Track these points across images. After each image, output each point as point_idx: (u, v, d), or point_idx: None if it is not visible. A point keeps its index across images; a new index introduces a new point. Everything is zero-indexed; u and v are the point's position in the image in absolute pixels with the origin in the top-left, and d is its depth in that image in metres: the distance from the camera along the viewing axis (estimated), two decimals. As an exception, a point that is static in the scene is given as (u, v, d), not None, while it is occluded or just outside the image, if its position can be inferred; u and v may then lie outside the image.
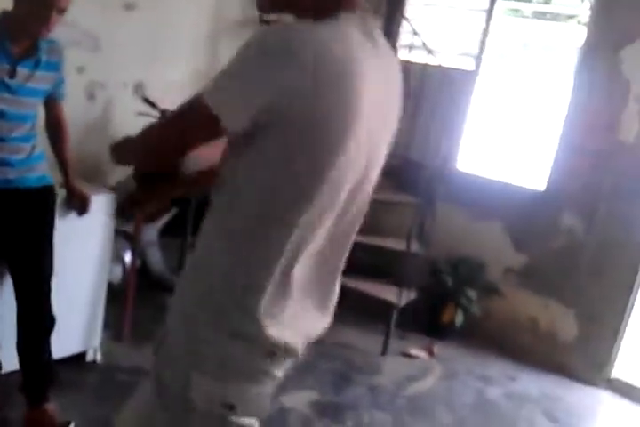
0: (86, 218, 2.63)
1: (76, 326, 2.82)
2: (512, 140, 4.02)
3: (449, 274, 3.86)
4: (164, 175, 1.28)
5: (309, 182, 1.13)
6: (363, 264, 4.14)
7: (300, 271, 1.21)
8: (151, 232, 3.52)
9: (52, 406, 2.47)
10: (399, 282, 3.62)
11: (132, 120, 3.28)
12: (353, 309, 3.97)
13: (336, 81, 1.08)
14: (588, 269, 3.67)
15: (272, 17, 1.45)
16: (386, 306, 3.63)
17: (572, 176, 3.70)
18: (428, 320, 3.90)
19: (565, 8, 4.15)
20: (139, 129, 1.23)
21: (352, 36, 1.12)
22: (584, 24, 3.73)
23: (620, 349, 3.64)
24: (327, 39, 1.08)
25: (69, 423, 2.48)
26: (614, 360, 3.65)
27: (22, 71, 2.20)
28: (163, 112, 3.12)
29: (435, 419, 3.04)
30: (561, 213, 3.75)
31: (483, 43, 3.99)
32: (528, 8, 4.20)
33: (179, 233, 3.44)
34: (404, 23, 4.15)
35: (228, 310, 1.18)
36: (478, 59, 4.02)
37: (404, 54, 4.17)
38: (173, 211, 3.42)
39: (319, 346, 3.77)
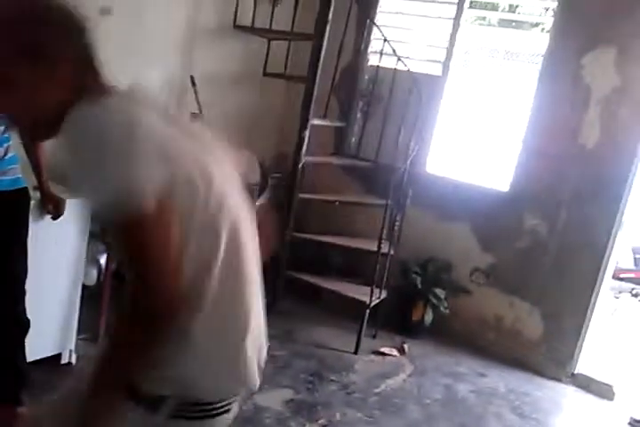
0: (61, 221, 2.64)
1: (51, 328, 2.83)
2: (478, 143, 4.13)
3: (418, 274, 3.96)
4: None
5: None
6: (335, 265, 4.23)
7: None
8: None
9: (25, 410, 2.46)
10: (370, 282, 3.70)
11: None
12: (326, 308, 4.06)
13: None
14: (552, 268, 3.79)
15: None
16: (358, 305, 3.70)
17: (534, 179, 3.82)
18: (398, 319, 3.99)
19: (530, 16, 4.27)
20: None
21: None
22: (547, 32, 3.85)
23: (583, 345, 3.77)
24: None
25: None
26: (577, 356, 3.77)
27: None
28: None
29: (405, 415, 3.12)
30: (524, 215, 3.87)
31: (450, 49, 4.10)
32: (494, 16, 4.31)
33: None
34: (374, 30, 4.23)
35: None
36: (446, 65, 4.12)
37: (374, 60, 4.27)
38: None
39: (293, 345, 3.80)
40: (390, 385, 3.39)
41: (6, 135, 2.32)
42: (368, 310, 3.69)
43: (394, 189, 3.77)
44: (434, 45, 4.19)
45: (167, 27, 3.77)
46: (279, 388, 3.14)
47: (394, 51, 3.94)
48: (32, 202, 2.47)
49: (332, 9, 3.72)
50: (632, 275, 6.57)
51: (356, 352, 3.67)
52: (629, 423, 3.37)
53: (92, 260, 3.22)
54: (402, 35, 4.21)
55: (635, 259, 6.70)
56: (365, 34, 4.30)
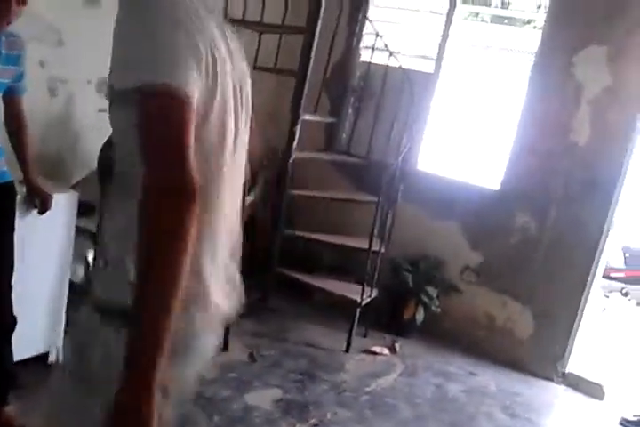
0: (47, 216, 2.58)
1: (38, 326, 2.77)
2: (469, 140, 4.11)
3: (409, 272, 3.92)
4: None
5: None
6: (326, 263, 4.19)
7: None
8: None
9: (11, 410, 2.42)
10: (361, 280, 3.67)
11: (93, 116, 3.24)
12: (317, 307, 4.02)
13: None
14: (543, 267, 3.77)
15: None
16: (349, 304, 3.66)
17: (524, 176, 3.80)
18: (389, 318, 3.96)
19: (522, 13, 4.25)
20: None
21: None
22: (540, 29, 3.84)
23: (574, 344, 3.76)
24: None
25: None
26: (568, 355, 3.76)
27: (-20, 64, 2.15)
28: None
29: (396, 415, 3.09)
30: (515, 213, 3.85)
31: (442, 45, 4.07)
32: (487, 12, 4.30)
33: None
34: (366, 25, 4.19)
35: None
36: (438, 61, 4.10)
37: (366, 56, 4.23)
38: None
39: (284, 344, 3.75)
40: (381, 384, 3.36)
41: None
42: (359, 309, 3.66)
43: (385, 186, 3.73)
44: (426, 41, 4.16)
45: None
46: (269, 387, 3.09)
47: (386, 46, 3.90)
48: (18, 196, 2.42)
49: (324, 2, 3.68)
50: (622, 274, 6.60)
51: (346, 351, 3.63)
52: (620, 423, 3.37)
53: (79, 256, 3.15)
54: (394, 30, 4.18)
55: (625, 258, 6.74)
56: (358, 29, 4.26)
